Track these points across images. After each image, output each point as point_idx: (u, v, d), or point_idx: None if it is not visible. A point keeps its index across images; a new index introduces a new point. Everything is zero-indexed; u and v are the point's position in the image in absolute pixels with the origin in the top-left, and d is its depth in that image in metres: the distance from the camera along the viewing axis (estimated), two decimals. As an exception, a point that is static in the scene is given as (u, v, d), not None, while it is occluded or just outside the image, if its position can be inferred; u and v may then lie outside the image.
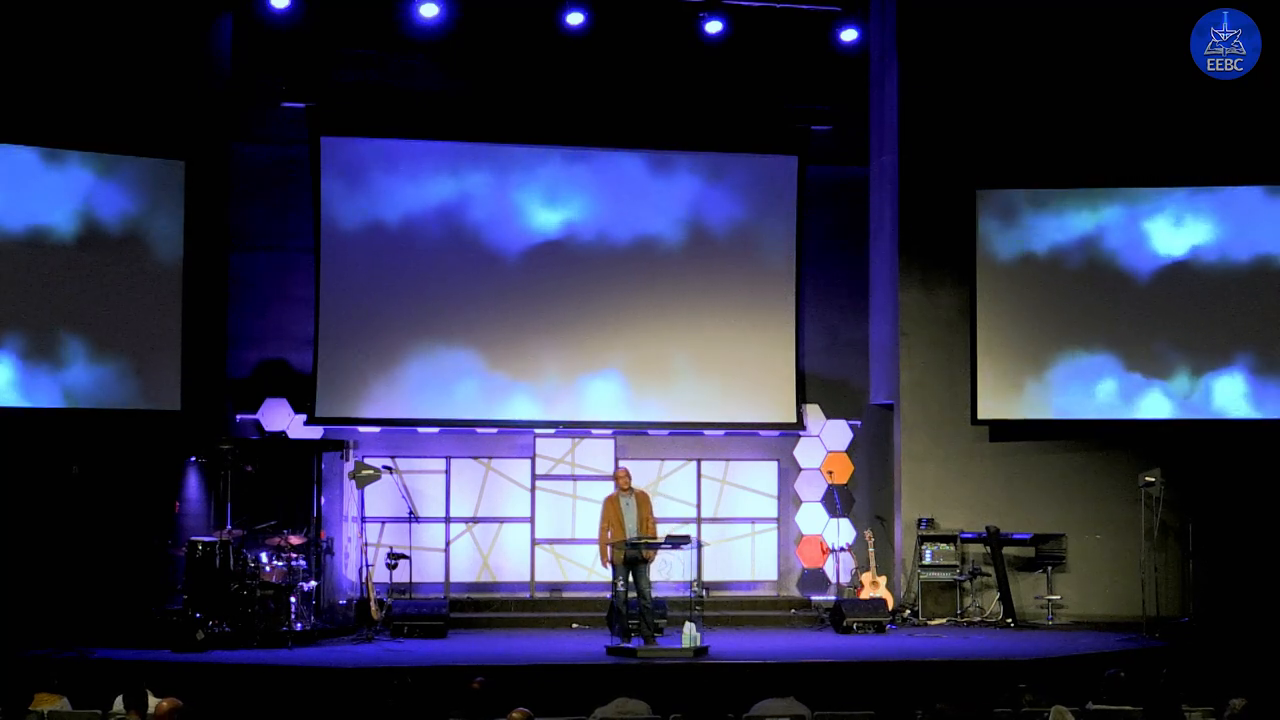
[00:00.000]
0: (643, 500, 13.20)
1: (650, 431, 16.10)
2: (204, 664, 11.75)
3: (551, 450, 15.84)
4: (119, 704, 9.26)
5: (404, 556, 14.24)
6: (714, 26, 15.59)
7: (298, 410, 15.38)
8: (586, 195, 15.94)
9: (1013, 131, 15.61)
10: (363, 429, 15.50)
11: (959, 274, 15.72)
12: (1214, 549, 15.07)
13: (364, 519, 14.75)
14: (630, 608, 12.90)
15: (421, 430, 15.72)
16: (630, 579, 12.79)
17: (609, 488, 15.67)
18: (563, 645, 13.34)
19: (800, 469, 16.30)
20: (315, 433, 15.30)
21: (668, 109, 16.10)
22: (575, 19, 15.36)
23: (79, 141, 13.95)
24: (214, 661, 11.87)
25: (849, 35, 15.95)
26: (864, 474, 16.37)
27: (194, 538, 13.22)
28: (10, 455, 13.42)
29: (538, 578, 15.71)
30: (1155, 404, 15.36)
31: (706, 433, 16.19)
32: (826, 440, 16.33)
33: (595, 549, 15.43)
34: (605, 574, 14.76)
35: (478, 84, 15.91)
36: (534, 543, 15.72)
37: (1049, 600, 15.10)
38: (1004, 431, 15.69)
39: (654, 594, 12.99)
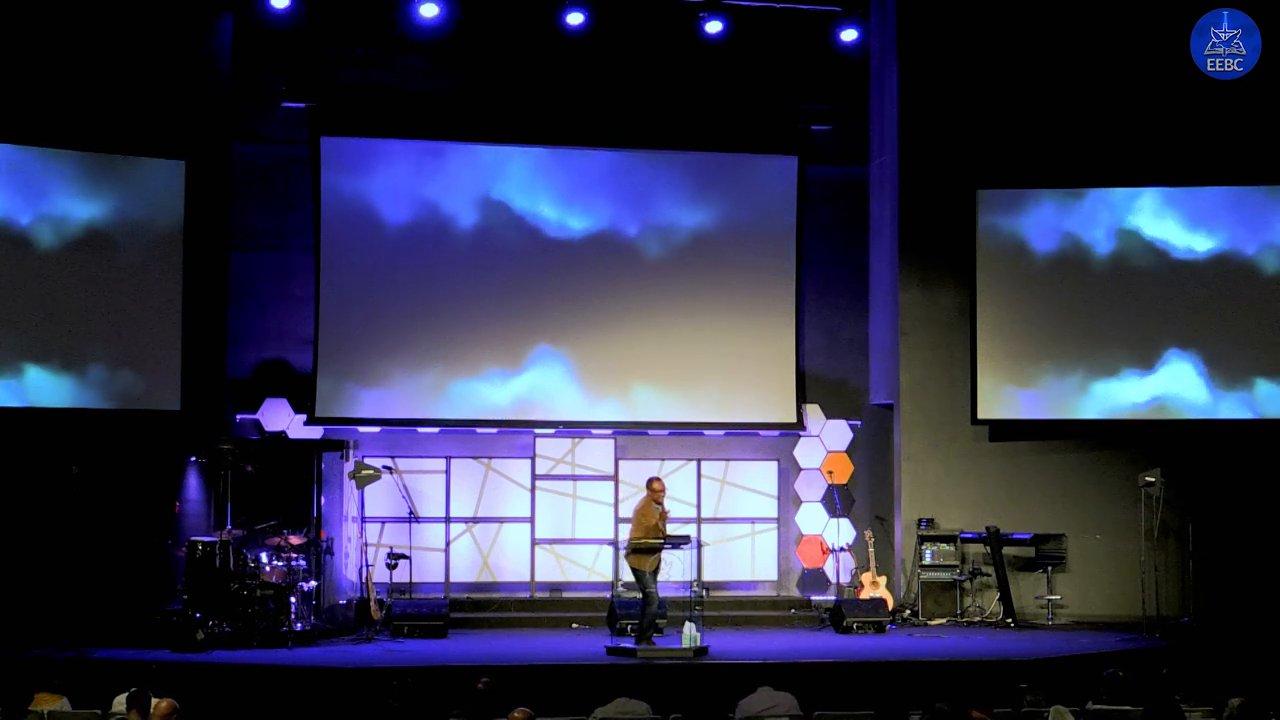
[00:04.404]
0: (665, 513, 13.03)
1: (650, 431, 16.10)
2: (204, 664, 11.76)
3: (551, 450, 15.84)
4: (119, 704, 9.28)
5: (404, 556, 14.24)
6: (714, 26, 15.60)
7: (298, 410, 15.38)
8: (587, 195, 15.93)
9: (1013, 131, 15.61)
10: (363, 429, 15.50)
11: (959, 274, 15.72)
12: (1214, 549, 15.07)
13: (364, 519, 14.75)
14: (631, 608, 12.91)
15: (421, 430, 15.72)
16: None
17: (609, 488, 15.78)
18: (563, 645, 13.33)
19: (800, 469, 16.30)
20: (315, 433, 15.30)
21: (668, 109, 16.10)
22: (575, 19, 15.37)
23: (80, 141, 13.94)
24: (214, 661, 11.88)
25: (849, 35, 15.96)
26: (864, 474, 16.37)
27: (194, 538, 13.22)
28: (10, 455, 13.41)
29: (538, 578, 15.70)
30: (1155, 403, 15.35)
31: (706, 433, 16.20)
32: (826, 440, 16.33)
33: (594, 549, 15.59)
34: (605, 574, 14.83)
35: (478, 84, 15.90)
36: (534, 543, 15.72)
37: (1049, 600, 15.09)
38: (1004, 431, 15.69)
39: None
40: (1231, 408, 15.23)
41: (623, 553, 12.89)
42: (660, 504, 12.76)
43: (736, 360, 16.05)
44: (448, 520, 15.56)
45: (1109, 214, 15.53)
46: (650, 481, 12.99)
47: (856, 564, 15.59)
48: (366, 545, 14.41)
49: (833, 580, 15.97)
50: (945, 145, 15.69)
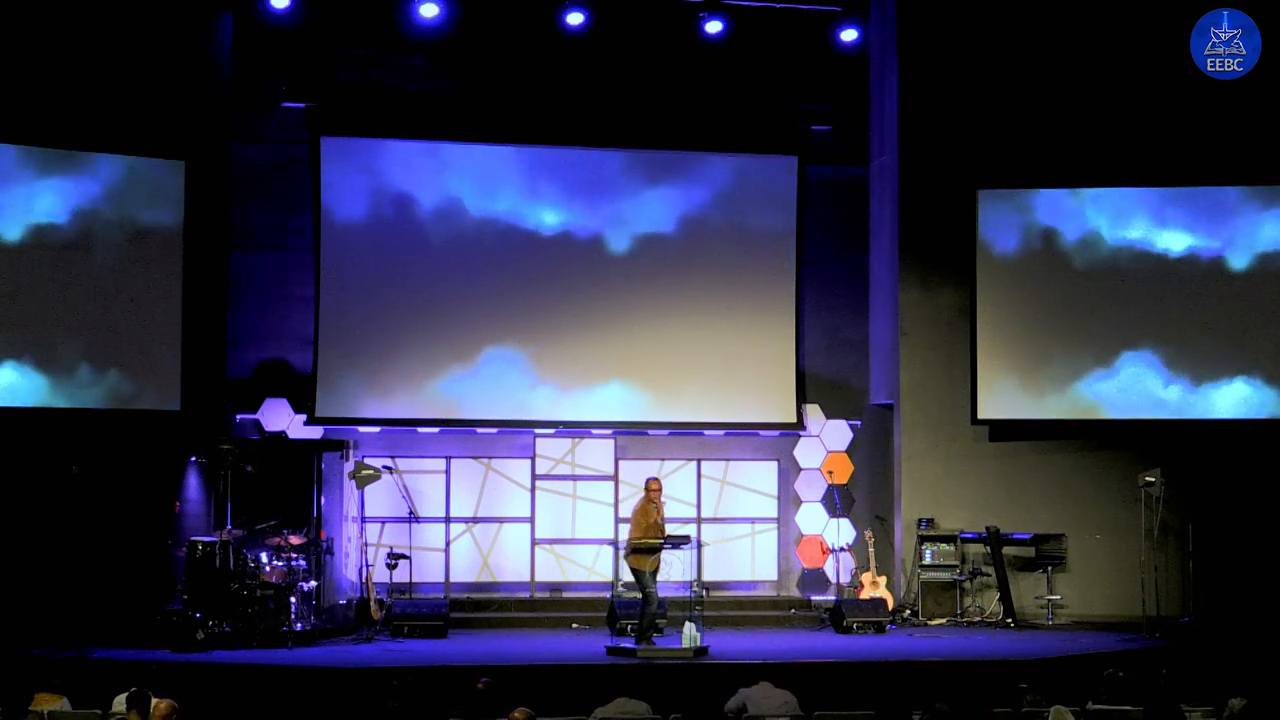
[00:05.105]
0: (660, 507, 13.06)
1: (650, 431, 16.10)
2: (204, 664, 11.76)
3: (551, 450, 15.83)
4: (119, 704, 9.27)
5: (404, 556, 14.23)
6: (714, 26, 15.60)
7: (298, 410, 15.38)
8: (586, 195, 15.93)
9: (1013, 131, 15.61)
10: (363, 429, 15.50)
11: (959, 274, 15.72)
12: (1214, 549, 15.07)
13: (364, 519, 14.75)
14: (631, 608, 12.92)
15: (421, 430, 15.72)
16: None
17: (609, 488, 15.78)
18: (563, 645, 13.34)
19: (800, 469, 16.30)
20: (315, 433, 15.30)
21: (668, 109, 16.10)
22: (575, 19, 15.37)
23: (79, 141, 13.94)
24: (214, 661, 11.88)
25: (849, 35, 15.96)
26: (864, 474, 16.37)
27: (194, 538, 13.22)
28: (10, 455, 13.41)
29: (538, 578, 15.70)
30: (1155, 404, 15.36)
31: (706, 433, 16.19)
32: (826, 440, 16.33)
33: (594, 549, 15.60)
34: (605, 574, 14.82)
35: (478, 84, 15.91)
36: (534, 543, 15.72)
37: (1049, 600, 15.09)
38: (1004, 431, 15.69)
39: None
40: (1231, 407, 15.22)
41: (622, 553, 12.89)
42: (657, 504, 12.76)
43: (736, 360, 16.05)
44: (448, 520, 15.56)
45: (1110, 214, 15.52)
46: (648, 482, 12.99)
47: (856, 564, 15.59)
48: (366, 545, 14.41)
49: (833, 580, 15.97)
50: (945, 145, 15.69)
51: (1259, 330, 15.24)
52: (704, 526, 15.71)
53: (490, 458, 15.78)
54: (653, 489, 12.83)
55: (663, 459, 15.98)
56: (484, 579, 15.61)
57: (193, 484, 14.50)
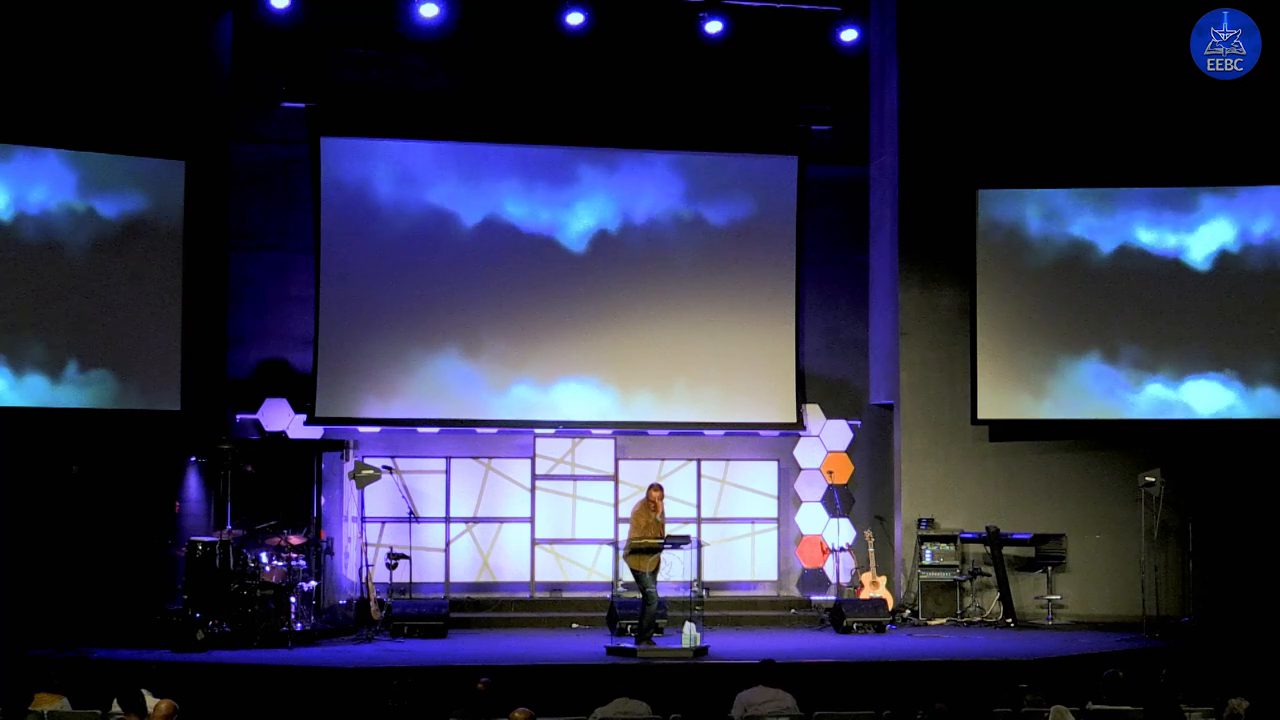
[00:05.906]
0: (661, 512, 13.01)
1: (650, 431, 16.10)
2: (204, 664, 11.76)
3: (551, 450, 15.84)
4: (118, 704, 9.28)
5: (404, 556, 14.23)
6: (714, 26, 15.61)
7: (298, 410, 15.38)
8: (587, 195, 15.93)
9: (1013, 131, 15.61)
10: (363, 429, 15.50)
11: (959, 274, 15.72)
12: (1214, 549, 15.07)
13: (364, 519, 14.75)
14: (631, 608, 12.92)
15: (421, 430, 15.72)
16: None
17: (609, 488, 15.78)
18: (563, 645, 13.33)
19: (800, 469, 16.30)
20: (315, 433, 15.31)
21: (668, 109, 16.10)
22: (575, 19, 15.37)
23: (80, 141, 13.94)
24: (214, 661, 11.88)
25: (849, 35, 15.98)
26: (864, 474, 16.37)
27: (194, 538, 13.22)
28: (10, 455, 13.40)
29: (538, 578, 15.71)
30: (1155, 404, 15.36)
31: (706, 433, 16.20)
32: (826, 440, 16.33)
33: (594, 549, 15.61)
34: (605, 574, 14.84)
35: (478, 84, 15.91)
36: (534, 543, 15.72)
37: (1049, 600, 15.10)
38: (1004, 431, 15.69)
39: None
40: (1230, 407, 15.22)
41: (622, 553, 12.87)
42: (658, 509, 12.71)
43: (736, 360, 16.06)
44: (448, 520, 15.57)
45: (1109, 213, 15.52)
46: (650, 489, 12.91)
47: (856, 564, 15.59)
48: (366, 545, 14.41)
49: (833, 580, 15.97)
50: (945, 145, 15.69)
51: (1266, 326, 15.24)
52: (704, 526, 15.72)
53: (490, 458, 15.78)
54: (654, 497, 12.75)
55: (663, 459, 15.99)
56: (484, 579, 15.62)
57: (193, 484, 14.51)
